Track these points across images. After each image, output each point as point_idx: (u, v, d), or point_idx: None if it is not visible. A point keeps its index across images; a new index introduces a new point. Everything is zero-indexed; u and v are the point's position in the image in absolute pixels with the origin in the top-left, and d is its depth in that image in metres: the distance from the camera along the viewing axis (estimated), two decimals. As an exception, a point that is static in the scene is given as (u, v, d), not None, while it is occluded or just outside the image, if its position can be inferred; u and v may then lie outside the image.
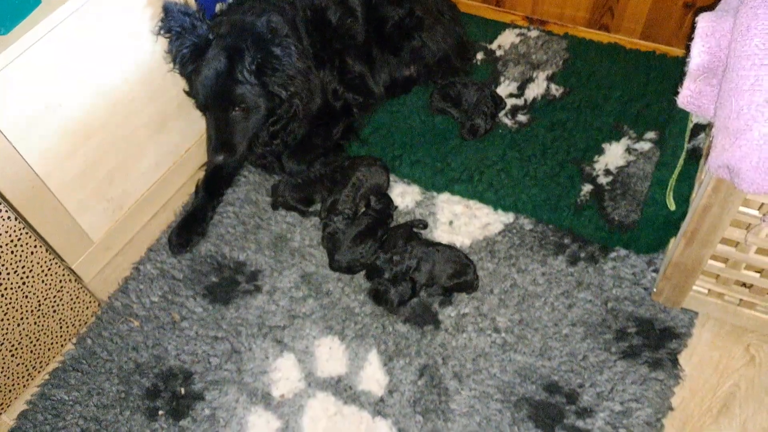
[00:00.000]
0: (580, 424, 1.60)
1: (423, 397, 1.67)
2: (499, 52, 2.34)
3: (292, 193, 2.01)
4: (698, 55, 1.18)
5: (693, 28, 1.30)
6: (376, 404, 1.68)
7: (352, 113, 2.13)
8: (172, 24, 1.72)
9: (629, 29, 2.30)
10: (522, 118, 2.14)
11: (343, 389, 1.71)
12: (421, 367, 1.73)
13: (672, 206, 1.66)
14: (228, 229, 2.07)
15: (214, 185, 2.13)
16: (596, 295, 1.79)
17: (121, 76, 1.83)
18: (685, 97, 1.26)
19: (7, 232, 1.58)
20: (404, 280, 1.80)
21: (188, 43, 1.73)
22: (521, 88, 2.20)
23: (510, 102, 2.16)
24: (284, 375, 1.75)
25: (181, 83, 2.00)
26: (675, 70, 2.14)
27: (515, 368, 1.70)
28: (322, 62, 2.02)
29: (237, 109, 1.78)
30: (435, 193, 2.05)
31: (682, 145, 1.78)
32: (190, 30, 1.72)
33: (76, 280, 1.84)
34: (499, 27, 2.43)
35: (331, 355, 1.78)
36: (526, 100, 2.17)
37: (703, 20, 1.18)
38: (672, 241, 1.72)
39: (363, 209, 1.99)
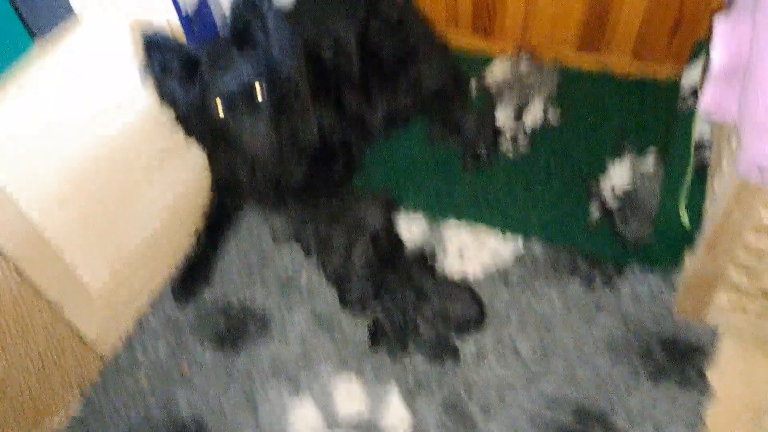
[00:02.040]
0: (615, 450, 1.55)
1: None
2: (491, 81, 2.35)
3: (296, 229, 1.97)
4: (719, 58, 1.18)
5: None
6: (402, 444, 1.62)
7: (351, 149, 2.11)
8: (158, 57, 1.66)
9: (620, 48, 2.33)
10: (523, 143, 2.14)
11: (366, 429, 1.65)
12: (445, 402, 1.67)
13: (685, 218, 1.65)
14: (233, 273, 2.01)
15: (215, 229, 2.08)
16: (616, 317, 1.76)
17: (118, 116, 1.80)
18: (707, 102, 1.26)
19: (9, 288, 1.51)
20: (407, 314, 1.76)
21: (179, 69, 1.67)
22: (518, 114, 2.21)
23: (509, 127, 2.16)
24: (303, 418, 1.68)
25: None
26: (668, 91, 2.17)
27: (543, 396, 1.65)
28: (317, 97, 1.99)
29: (259, 95, 1.69)
30: (441, 222, 2.02)
31: (688, 159, 1.78)
32: (176, 52, 1.66)
33: (78, 337, 1.76)
34: (489, 57, 2.44)
35: (350, 394, 1.71)
36: (524, 125, 2.17)
37: (721, 23, 1.18)
38: (687, 254, 1.71)
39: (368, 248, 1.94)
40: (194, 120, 1.80)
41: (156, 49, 1.64)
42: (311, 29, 2.04)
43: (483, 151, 2.05)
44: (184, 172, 2.13)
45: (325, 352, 1.80)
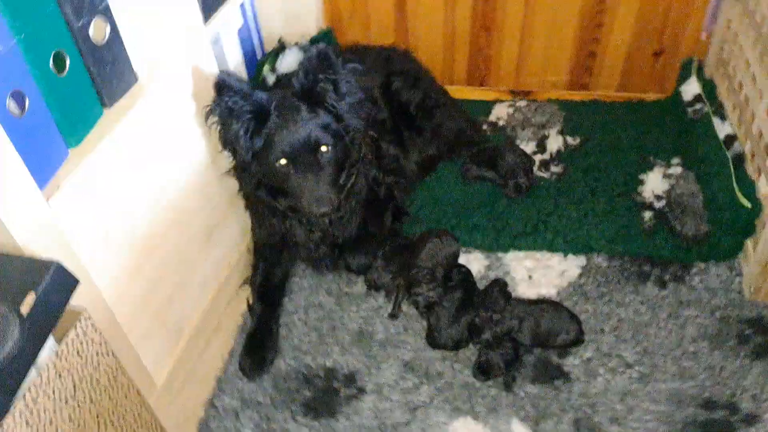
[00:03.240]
0: (752, 430, 1.56)
1: (591, 452, 1.55)
2: (501, 123, 2.47)
3: (386, 266, 1.91)
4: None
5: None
6: (546, 473, 1.53)
7: (394, 196, 2.10)
8: (227, 99, 1.62)
9: (607, 84, 2.54)
10: (556, 169, 2.23)
11: (503, 468, 1.55)
12: (573, 422, 1.61)
13: (745, 201, 1.78)
14: (301, 339, 1.88)
15: (268, 296, 1.96)
16: (700, 309, 1.82)
17: (177, 184, 1.70)
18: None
19: (105, 370, 1.32)
20: (505, 341, 1.72)
21: (248, 116, 1.63)
22: (540, 145, 2.32)
23: (537, 158, 2.26)
24: (433, 472, 1.55)
25: (229, 188, 1.90)
26: (665, 108, 2.39)
27: (664, 397, 1.64)
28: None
29: (323, 150, 1.67)
30: (500, 254, 2.03)
31: (723, 153, 1.95)
32: (246, 99, 1.62)
33: (160, 427, 1.55)
34: (488, 104, 2.57)
35: (472, 437, 1.61)
36: (551, 153, 2.28)
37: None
38: (749, 242, 1.83)
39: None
40: (253, 170, 1.73)
41: (227, 91, 1.60)
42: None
43: (522, 179, 2.12)
44: (229, 244, 2.02)
45: (431, 399, 1.70)
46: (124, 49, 1.46)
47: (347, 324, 1.90)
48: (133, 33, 1.49)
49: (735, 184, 1.85)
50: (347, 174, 1.81)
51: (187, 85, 1.71)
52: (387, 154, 2.10)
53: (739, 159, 1.91)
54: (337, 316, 1.93)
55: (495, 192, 2.19)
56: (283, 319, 1.93)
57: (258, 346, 1.84)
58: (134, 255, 1.55)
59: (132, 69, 1.50)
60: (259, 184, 1.78)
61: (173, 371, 1.75)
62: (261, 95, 1.67)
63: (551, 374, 1.72)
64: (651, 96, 2.53)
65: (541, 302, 1.80)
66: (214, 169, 1.85)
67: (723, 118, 2.06)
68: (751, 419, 1.58)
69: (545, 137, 2.34)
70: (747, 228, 1.82)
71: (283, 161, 1.68)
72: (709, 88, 2.21)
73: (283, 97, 1.68)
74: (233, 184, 1.90)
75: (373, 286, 1.97)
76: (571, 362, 1.74)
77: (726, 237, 1.86)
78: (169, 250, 1.70)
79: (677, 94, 2.33)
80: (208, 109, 1.67)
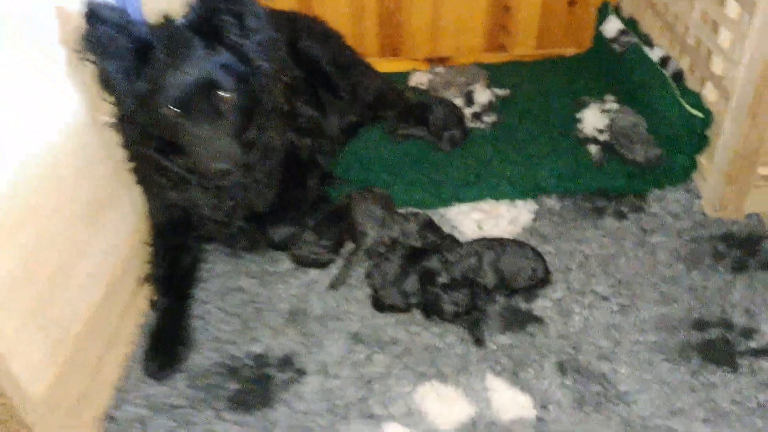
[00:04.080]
0: (753, 344, 1.38)
1: (584, 394, 1.31)
2: (422, 87, 2.29)
3: (319, 239, 1.61)
4: None
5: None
6: (538, 428, 1.26)
7: (318, 162, 1.84)
8: (101, 33, 1.30)
9: (524, 42, 2.44)
10: (488, 118, 2.06)
11: (486, 430, 1.27)
12: (557, 366, 1.37)
13: (696, 111, 1.66)
14: (220, 328, 1.54)
15: (174, 288, 1.61)
16: (667, 234, 1.66)
17: (47, 148, 1.35)
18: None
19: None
20: (465, 285, 1.47)
21: (125, 52, 1.32)
22: (468, 99, 2.14)
23: (467, 112, 2.08)
24: (402, 450, 1.25)
25: (115, 158, 1.56)
26: (589, 55, 2.30)
27: (652, 325, 1.44)
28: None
29: (223, 96, 1.38)
30: (443, 210, 1.80)
31: (661, 73, 1.84)
32: (123, 31, 1.32)
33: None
34: (405, 75, 2.39)
35: (443, 403, 1.33)
36: (481, 105, 2.10)
37: None
38: (703, 160, 1.71)
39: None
40: (140, 121, 1.42)
41: (100, 23, 1.29)
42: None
43: (455, 130, 1.92)
44: (123, 231, 1.66)
45: (388, 369, 1.40)
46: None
47: (276, 305, 1.58)
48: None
49: (679, 97, 1.73)
50: (258, 127, 1.53)
51: (50, 29, 1.39)
52: (303, 114, 1.84)
53: (678, 76, 1.80)
54: (263, 298, 1.61)
55: (427, 146, 1.98)
56: (195, 311, 1.58)
57: (165, 342, 1.48)
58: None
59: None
60: (146, 138, 1.46)
61: (57, 383, 1.35)
62: (142, 27, 1.37)
63: (521, 320, 1.48)
64: (570, 51, 2.44)
65: (500, 239, 1.57)
66: (95, 130, 1.52)
67: (651, 45, 1.96)
68: (749, 332, 1.41)
69: (471, 92, 2.17)
70: (701, 141, 1.69)
71: (172, 108, 1.37)
72: (630, 24, 2.13)
73: (170, 30, 1.40)
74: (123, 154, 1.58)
75: (302, 263, 1.67)
76: (542, 305, 1.51)
77: (680, 155, 1.73)
78: (41, 231, 1.33)
79: (598, 35, 2.24)
80: (77, 47, 1.35)
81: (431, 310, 1.47)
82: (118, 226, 1.63)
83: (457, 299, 1.44)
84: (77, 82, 1.45)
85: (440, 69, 2.39)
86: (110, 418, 1.36)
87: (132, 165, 1.63)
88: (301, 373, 1.41)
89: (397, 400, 1.34)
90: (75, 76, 1.44)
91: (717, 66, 1.62)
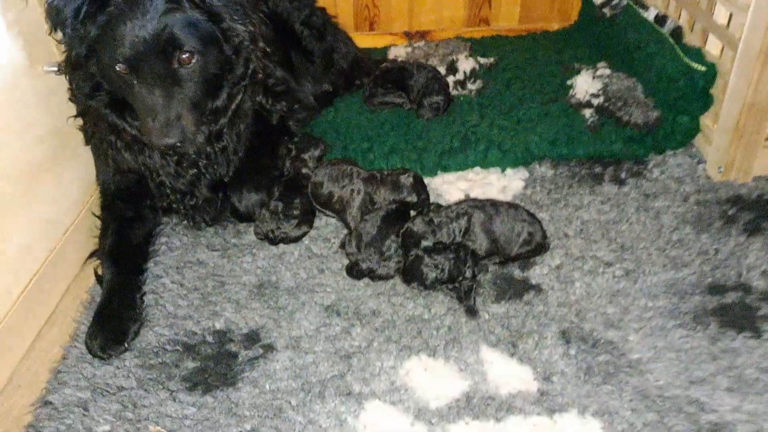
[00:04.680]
0: (775, 307, 1.24)
1: (591, 364, 1.15)
2: (401, 59, 2.14)
3: (286, 209, 1.44)
4: None
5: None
6: (541, 401, 1.10)
7: (290, 129, 1.67)
8: None
9: (508, 15, 2.32)
10: (473, 86, 1.92)
11: (482, 405, 1.10)
12: (560, 335, 1.21)
13: (699, 66, 1.54)
14: (177, 303, 1.36)
15: (123, 261, 1.41)
16: (670, 199, 1.52)
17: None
18: None
19: None
20: (452, 249, 1.30)
21: None
22: (451, 68, 2.00)
23: (450, 80, 1.93)
24: (384, 429, 1.07)
25: (57, 115, 1.38)
26: (577, 26, 2.19)
27: (661, 290, 1.29)
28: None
29: (183, 58, 1.22)
30: (427, 180, 1.63)
31: (658, 30, 1.72)
32: None
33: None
34: (383, 51, 2.25)
35: (433, 377, 1.16)
36: (465, 72, 1.96)
37: None
38: (707, 121, 1.59)
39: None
40: (90, 69, 1.25)
41: None
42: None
43: (438, 97, 1.77)
44: (65, 200, 1.47)
45: (369, 342, 1.23)
46: None
47: (241, 277, 1.41)
48: None
49: (681, 53, 1.61)
50: (228, 94, 1.37)
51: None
52: (273, 74, 1.67)
53: (677, 33, 1.68)
54: (226, 270, 1.43)
55: (405, 115, 1.82)
56: (148, 286, 1.40)
57: (112, 319, 1.29)
58: None
59: None
60: (98, 91, 1.29)
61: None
62: None
63: (517, 289, 1.32)
64: (555, 26, 2.33)
65: (493, 200, 1.41)
66: (33, 79, 1.34)
67: (644, 8, 1.85)
68: (768, 296, 1.26)
69: (455, 61, 2.03)
70: (705, 99, 1.57)
71: (121, 66, 1.20)
72: (621, -11, 2.03)
73: None
74: (69, 108, 1.40)
75: (270, 240, 1.48)
76: (539, 272, 1.35)
77: (682, 116, 1.60)
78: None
79: (586, 4, 2.13)
80: None
81: (411, 276, 1.30)
82: (60, 196, 1.44)
83: (440, 263, 1.28)
84: (10, 18, 1.28)
85: (420, 44, 2.26)
86: (46, 404, 1.16)
87: (80, 122, 1.46)
88: (269, 348, 1.23)
89: (379, 376, 1.17)
90: (6, 10, 1.26)
91: (721, 14, 1.50)
